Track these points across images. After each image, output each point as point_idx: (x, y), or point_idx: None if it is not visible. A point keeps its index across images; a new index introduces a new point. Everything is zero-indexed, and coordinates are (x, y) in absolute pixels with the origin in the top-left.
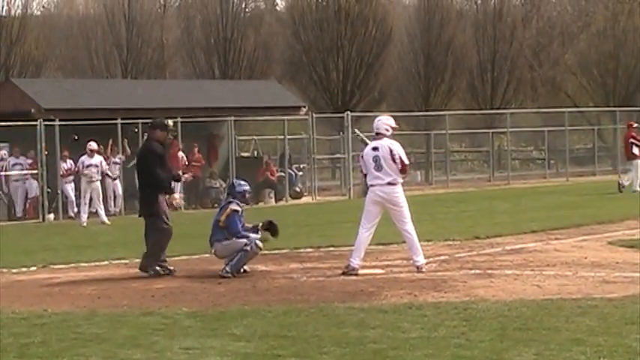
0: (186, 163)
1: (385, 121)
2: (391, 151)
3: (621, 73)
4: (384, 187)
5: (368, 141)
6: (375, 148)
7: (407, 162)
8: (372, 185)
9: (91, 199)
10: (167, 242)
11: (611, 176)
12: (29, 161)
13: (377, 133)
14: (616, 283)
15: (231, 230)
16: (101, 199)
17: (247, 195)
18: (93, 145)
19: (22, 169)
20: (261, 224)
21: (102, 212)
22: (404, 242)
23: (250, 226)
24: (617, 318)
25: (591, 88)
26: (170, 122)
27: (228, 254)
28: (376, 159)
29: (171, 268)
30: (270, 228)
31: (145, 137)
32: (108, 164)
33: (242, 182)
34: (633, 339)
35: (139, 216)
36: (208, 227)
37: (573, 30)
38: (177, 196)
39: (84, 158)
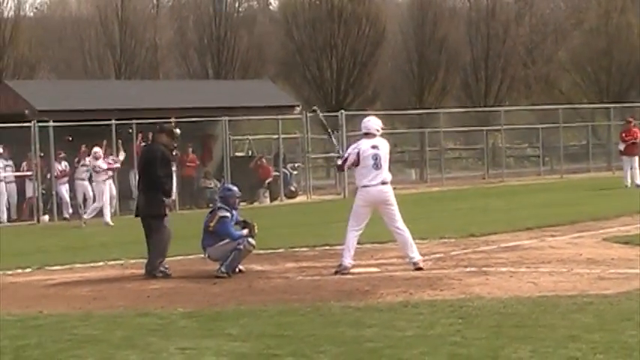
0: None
1: (375, 122)
2: (388, 150)
3: (615, 69)
4: (380, 186)
5: (328, 127)
6: (374, 146)
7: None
8: (366, 186)
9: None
10: (169, 243)
11: (606, 173)
12: (9, 162)
13: (366, 133)
14: (611, 280)
15: (223, 233)
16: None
17: (231, 199)
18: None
19: (13, 171)
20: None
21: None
22: (396, 241)
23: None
24: (612, 314)
25: (585, 85)
26: (178, 131)
27: (222, 256)
28: (376, 157)
29: (168, 268)
30: (246, 228)
31: (150, 140)
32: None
33: (228, 186)
34: (629, 335)
35: (138, 216)
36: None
37: (566, 27)
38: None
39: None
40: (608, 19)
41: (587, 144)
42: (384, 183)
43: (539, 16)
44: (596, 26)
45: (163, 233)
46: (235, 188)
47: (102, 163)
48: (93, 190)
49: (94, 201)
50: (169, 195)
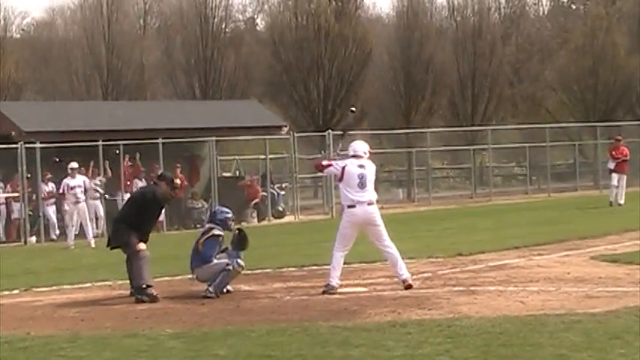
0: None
1: (363, 145)
2: (375, 172)
3: (601, 88)
4: (366, 207)
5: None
6: (361, 166)
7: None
8: (351, 206)
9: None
10: (148, 265)
11: (593, 191)
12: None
13: (354, 155)
14: (599, 298)
15: (204, 256)
16: (88, 220)
17: (229, 221)
18: (74, 164)
19: (3, 192)
20: (231, 240)
21: (90, 234)
22: (386, 260)
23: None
24: (600, 333)
25: (571, 104)
26: (178, 181)
27: (211, 277)
28: (362, 176)
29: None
30: (240, 240)
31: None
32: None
33: (224, 209)
34: (617, 354)
35: (111, 248)
36: (190, 248)
37: (552, 46)
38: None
39: (67, 180)
40: (594, 38)
41: (574, 163)
42: (370, 204)
43: (525, 35)
44: (582, 45)
45: (139, 258)
46: (227, 209)
47: (72, 181)
48: (78, 212)
49: (81, 224)
50: (145, 240)
